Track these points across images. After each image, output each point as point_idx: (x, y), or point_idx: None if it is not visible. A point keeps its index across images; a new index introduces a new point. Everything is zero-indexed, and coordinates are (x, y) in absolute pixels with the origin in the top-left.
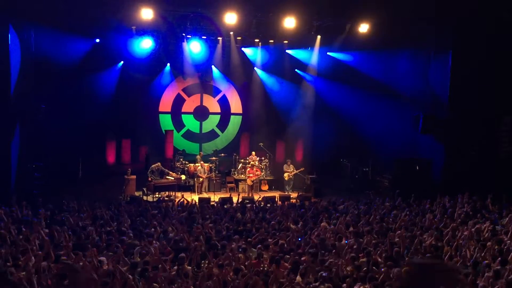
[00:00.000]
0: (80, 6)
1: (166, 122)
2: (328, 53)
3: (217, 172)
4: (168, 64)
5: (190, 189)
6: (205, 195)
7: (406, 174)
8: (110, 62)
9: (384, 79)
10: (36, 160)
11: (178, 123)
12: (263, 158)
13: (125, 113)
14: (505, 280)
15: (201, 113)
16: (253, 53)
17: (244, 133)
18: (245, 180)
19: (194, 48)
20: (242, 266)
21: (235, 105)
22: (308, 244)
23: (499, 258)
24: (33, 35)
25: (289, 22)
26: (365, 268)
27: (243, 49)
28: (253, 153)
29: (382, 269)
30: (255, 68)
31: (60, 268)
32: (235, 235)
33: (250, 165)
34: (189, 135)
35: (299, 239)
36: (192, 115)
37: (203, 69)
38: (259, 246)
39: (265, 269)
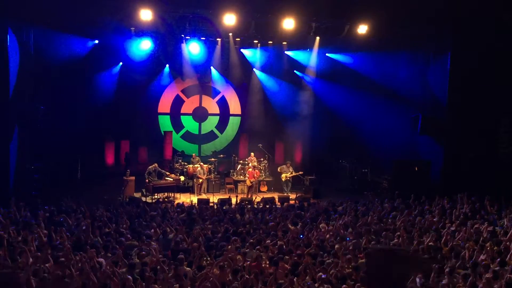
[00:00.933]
0: (79, 8)
1: (165, 123)
2: (327, 55)
3: (216, 173)
4: (167, 65)
5: (189, 190)
6: (204, 196)
7: (405, 175)
8: (109, 63)
9: (383, 81)
10: (35, 161)
11: (177, 124)
12: (262, 159)
13: (124, 114)
14: (504, 281)
15: (200, 114)
16: (252, 54)
17: (243, 134)
18: (244, 181)
19: (193, 49)
20: (241, 268)
21: (234, 106)
22: (307, 245)
23: (498, 259)
24: (32, 36)
25: (288, 23)
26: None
27: (242, 50)
28: (252, 154)
29: None
30: (254, 69)
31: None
32: (233, 237)
33: (250, 166)
34: (188, 136)
35: (301, 236)
36: (191, 116)
37: (202, 70)
38: (258, 247)
39: (264, 270)
